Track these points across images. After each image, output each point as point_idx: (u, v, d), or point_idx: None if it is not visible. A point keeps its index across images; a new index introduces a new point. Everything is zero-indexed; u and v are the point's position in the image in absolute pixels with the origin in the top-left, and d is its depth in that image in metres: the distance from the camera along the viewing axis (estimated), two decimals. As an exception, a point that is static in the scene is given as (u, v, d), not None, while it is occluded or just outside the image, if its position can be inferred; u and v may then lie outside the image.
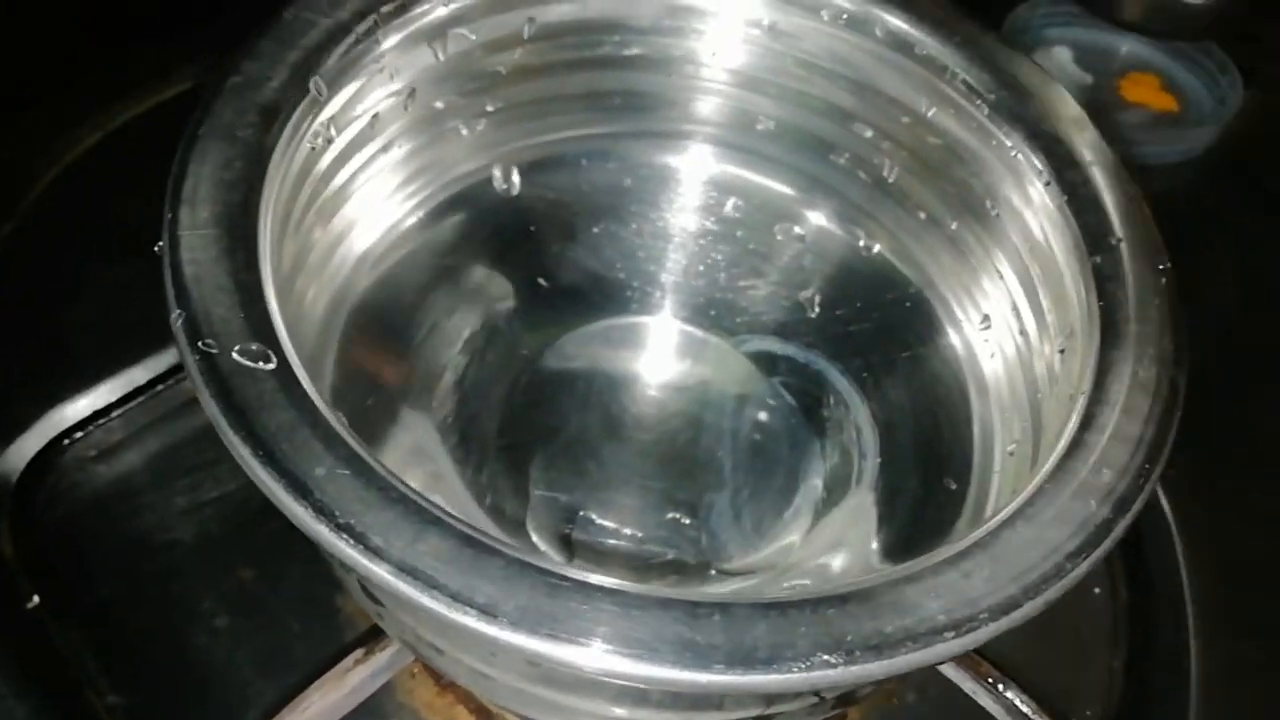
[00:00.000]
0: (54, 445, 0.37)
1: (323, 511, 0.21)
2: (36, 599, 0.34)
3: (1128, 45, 0.60)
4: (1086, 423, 0.25)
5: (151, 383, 0.39)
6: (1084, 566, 0.23)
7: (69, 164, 0.43)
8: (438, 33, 0.31)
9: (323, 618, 0.35)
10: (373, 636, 0.31)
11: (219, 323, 0.23)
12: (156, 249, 0.24)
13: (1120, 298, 0.28)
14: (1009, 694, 0.32)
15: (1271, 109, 0.60)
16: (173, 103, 0.45)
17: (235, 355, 0.23)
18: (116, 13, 0.46)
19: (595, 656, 0.20)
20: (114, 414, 0.38)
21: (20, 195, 0.42)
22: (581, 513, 0.34)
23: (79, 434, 0.38)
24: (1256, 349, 0.48)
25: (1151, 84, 0.58)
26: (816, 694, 0.24)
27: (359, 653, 0.30)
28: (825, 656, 0.20)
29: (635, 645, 0.20)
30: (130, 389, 0.38)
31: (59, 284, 0.40)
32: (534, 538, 0.34)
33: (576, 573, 0.21)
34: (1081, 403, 0.26)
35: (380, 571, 0.21)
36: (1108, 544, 0.23)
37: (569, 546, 0.34)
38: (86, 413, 0.38)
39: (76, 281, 0.40)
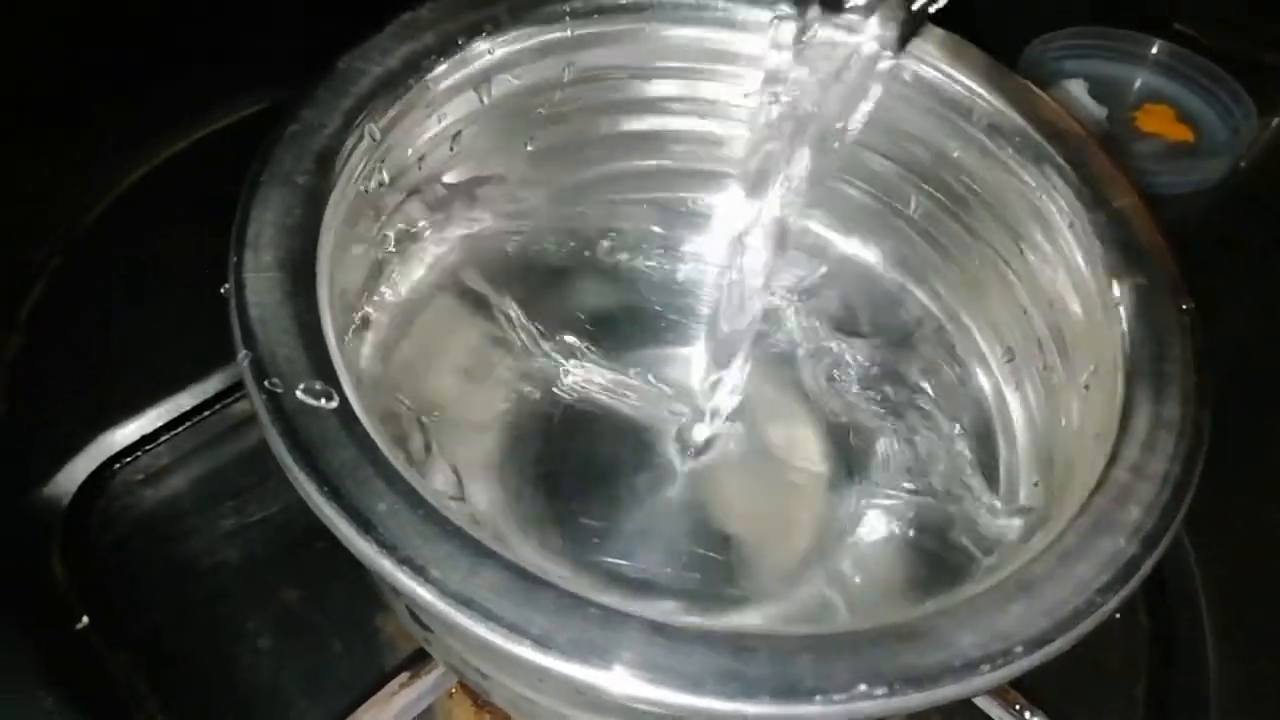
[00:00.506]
0: (103, 470, 0.38)
1: (385, 545, 0.22)
2: (86, 620, 0.35)
3: (1142, 77, 0.61)
4: (1113, 460, 0.26)
5: (197, 408, 0.40)
6: (1114, 601, 0.23)
7: (116, 197, 0.45)
8: (483, 78, 0.33)
9: (365, 639, 0.36)
10: (417, 660, 0.32)
11: (284, 363, 0.24)
12: (223, 290, 0.25)
13: (1144, 337, 0.28)
14: (1034, 720, 0.33)
15: (1286, 139, 0.61)
16: (215, 137, 0.47)
17: (299, 394, 0.24)
18: (159, 52, 0.47)
19: (644, 687, 0.21)
20: (161, 439, 0.39)
21: (70, 227, 0.44)
22: (618, 541, 0.35)
23: (128, 459, 0.39)
24: (1272, 377, 0.49)
25: (1166, 115, 0.59)
26: (852, 722, 0.25)
27: (404, 676, 0.31)
28: (866, 688, 0.21)
29: (683, 677, 0.21)
30: (177, 414, 0.40)
31: (108, 313, 0.41)
32: (572, 566, 0.34)
33: (626, 606, 0.22)
34: (1108, 440, 0.27)
35: (440, 604, 0.21)
36: (1136, 579, 0.24)
37: (607, 575, 0.34)
38: (135, 438, 0.39)
39: (124, 311, 0.42)
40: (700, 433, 0.36)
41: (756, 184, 0.32)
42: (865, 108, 0.31)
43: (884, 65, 0.30)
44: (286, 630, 0.36)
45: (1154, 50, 0.61)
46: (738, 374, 0.35)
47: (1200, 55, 0.60)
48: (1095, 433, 0.28)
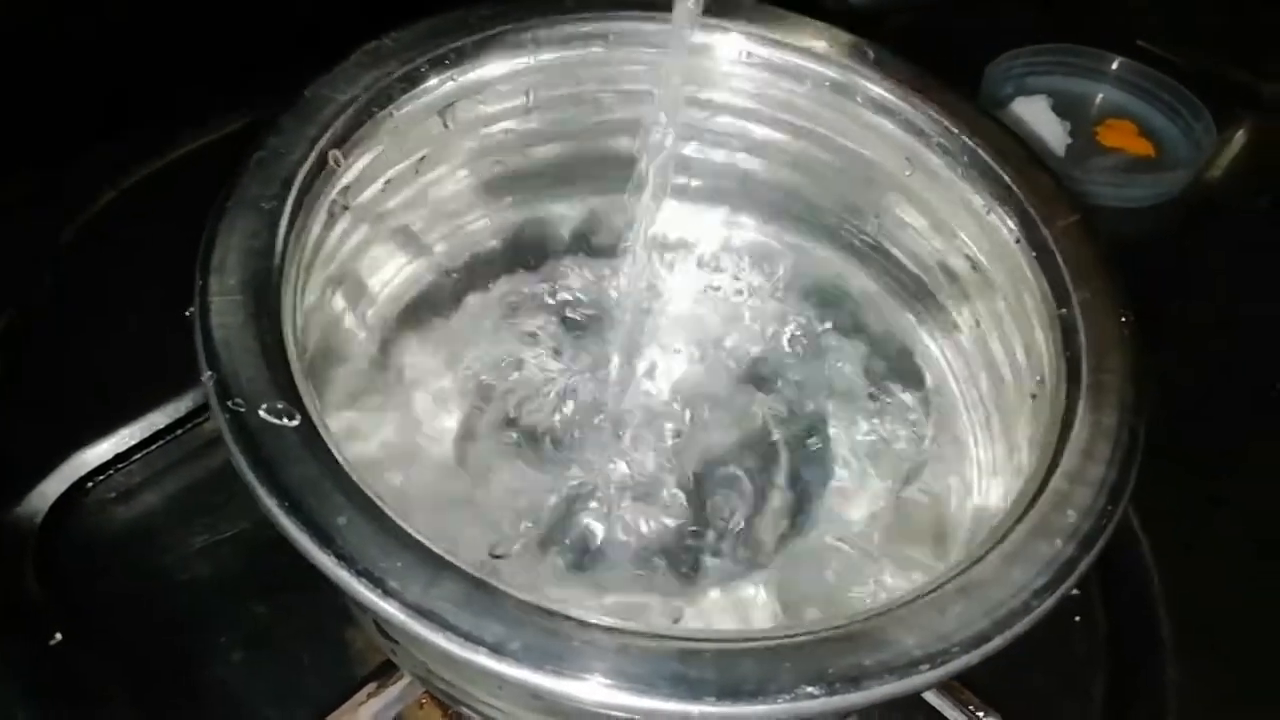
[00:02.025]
0: (77, 488, 0.39)
1: (344, 558, 0.23)
2: (60, 636, 0.35)
3: (1104, 93, 0.62)
4: (1053, 466, 0.27)
5: (169, 427, 0.41)
6: (1050, 602, 0.24)
7: (91, 217, 0.45)
8: (446, 104, 0.33)
9: (334, 651, 0.36)
10: (384, 671, 0.33)
11: (247, 383, 0.25)
12: (188, 314, 0.26)
13: (1084, 349, 0.29)
14: (991, 721, 0.34)
15: (1243, 153, 0.62)
16: (183, 161, 0.48)
17: (262, 413, 0.24)
18: (136, 71, 0.48)
19: (595, 690, 0.22)
20: (134, 458, 0.40)
21: (44, 247, 0.44)
22: (595, 518, 0.36)
23: (101, 477, 0.39)
24: (1231, 383, 0.50)
25: (1128, 130, 0.60)
26: (803, 724, 0.26)
27: (372, 686, 0.32)
28: (808, 689, 0.22)
29: (632, 680, 0.22)
30: (149, 433, 0.40)
31: (81, 333, 0.42)
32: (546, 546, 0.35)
33: (577, 613, 0.23)
34: (1049, 447, 0.28)
35: (398, 614, 0.22)
36: (1072, 580, 0.25)
37: (583, 552, 0.35)
38: (108, 456, 0.40)
39: (97, 330, 0.42)
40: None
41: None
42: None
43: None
44: (257, 644, 0.36)
45: (1115, 66, 0.62)
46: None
47: (1161, 71, 0.61)
48: (1040, 440, 0.29)
